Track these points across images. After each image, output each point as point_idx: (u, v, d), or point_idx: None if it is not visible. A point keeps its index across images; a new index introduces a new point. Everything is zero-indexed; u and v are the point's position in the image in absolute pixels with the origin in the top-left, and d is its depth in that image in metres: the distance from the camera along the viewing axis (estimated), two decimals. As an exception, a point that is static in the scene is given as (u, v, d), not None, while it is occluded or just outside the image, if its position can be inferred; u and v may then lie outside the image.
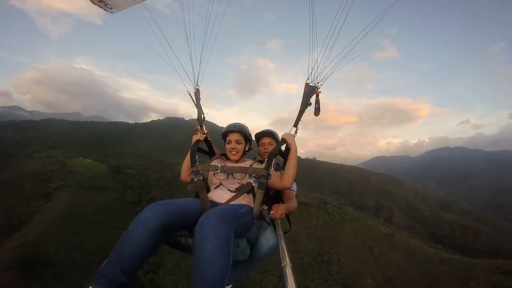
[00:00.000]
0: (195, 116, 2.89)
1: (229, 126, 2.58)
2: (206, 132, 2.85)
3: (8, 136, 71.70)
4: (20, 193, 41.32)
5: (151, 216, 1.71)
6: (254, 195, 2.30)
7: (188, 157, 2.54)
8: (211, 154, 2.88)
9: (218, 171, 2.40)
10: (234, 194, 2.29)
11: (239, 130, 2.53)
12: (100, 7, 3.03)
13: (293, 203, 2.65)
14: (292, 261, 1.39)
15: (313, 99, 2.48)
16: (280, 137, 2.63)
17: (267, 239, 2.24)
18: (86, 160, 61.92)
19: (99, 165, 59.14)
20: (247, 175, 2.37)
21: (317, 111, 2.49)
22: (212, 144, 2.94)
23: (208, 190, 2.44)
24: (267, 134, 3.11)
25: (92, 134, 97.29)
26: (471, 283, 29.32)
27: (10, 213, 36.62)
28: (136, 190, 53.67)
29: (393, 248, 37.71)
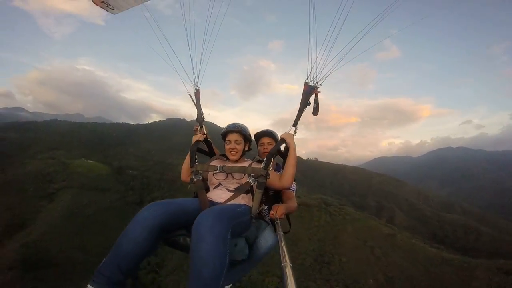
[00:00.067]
0: (196, 117, 2.90)
1: (228, 126, 2.59)
2: (205, 132, 2.85)
3: (10, 137, 72.00)
4: (23, 194, 41.54)
5: (148, 215, 1.72)
6: (253, 195, 2.30)
7: (188, 157, 2.54)
8: (211, 154, 2.88)
9: (217, 171, 2.41)
10: (232, 193, 2.29)
11: (239, 130, 2.53)
12: (102, 8, 3.07)
13: (293, 203, 2.63)
14: (292, 262, 1.38)
15: (312, 99, 2.48)
16: (279, 137, 2.63)
17: (266, 239, 2.23)
18: (88, 161, 62.16)
19: (101, 166, 59.38)
20: (246, 175, 2.36)
21: (315, 111, 2.48)
22: (212, 145, 2.94)
23: (207, 190, 2.45)
24: (267, 134, 3.10)
25: (94, 135, 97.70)
26: (472, 283, 29.19)
27: (12, 213, 36.78)
28: (138, 191, 53.85)
29: (395, 249, 37.57)
